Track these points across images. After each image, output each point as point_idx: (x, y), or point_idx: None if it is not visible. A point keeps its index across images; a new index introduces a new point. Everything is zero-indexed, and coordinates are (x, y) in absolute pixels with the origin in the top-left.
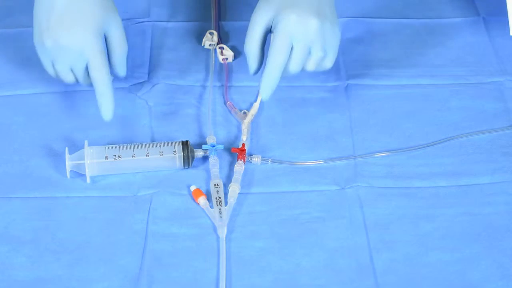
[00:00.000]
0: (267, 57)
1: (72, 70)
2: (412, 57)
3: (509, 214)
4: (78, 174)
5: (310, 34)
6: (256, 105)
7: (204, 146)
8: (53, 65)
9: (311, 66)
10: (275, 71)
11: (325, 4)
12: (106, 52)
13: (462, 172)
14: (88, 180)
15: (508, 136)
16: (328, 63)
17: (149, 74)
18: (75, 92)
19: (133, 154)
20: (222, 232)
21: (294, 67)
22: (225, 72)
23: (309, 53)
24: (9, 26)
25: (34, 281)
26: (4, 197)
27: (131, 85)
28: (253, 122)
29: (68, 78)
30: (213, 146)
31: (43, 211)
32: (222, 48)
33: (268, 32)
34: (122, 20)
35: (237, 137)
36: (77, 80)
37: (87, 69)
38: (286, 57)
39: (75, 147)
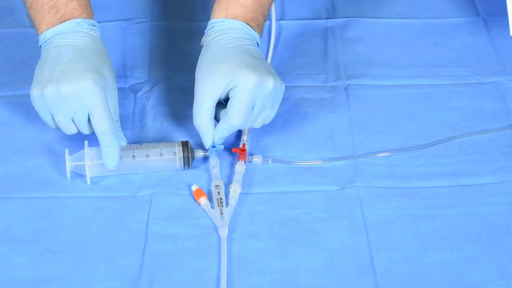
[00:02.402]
0: (225, 113)
1: (73, 121)
2: (412, 57)
3: (509, 214)
4: (78, 174)
5: (267, 95)
6: None
7: (210, 150)
8: (52, 117)
9: (258, 124)
10: (230, 129)
11: (264, 60)
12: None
13: (462, 172)
14: (89, 182)
15: (508, 136)
16: (270, 119)
17: (149, 74)
18: None
19: (133, 156)
20: (224, 232)
21: (245, 126)
22: None
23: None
24: (9, 26)
25: (34, 281)
26: (4, 197)
27: (131, 85)
28: None
29: (69, 129)
30: (213, 147)
31: (43, 211)
32: None
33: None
34: (122, 20)
35: (238, 137)
36: (78, 131)
37: (89, 119)
38: (247, 118)
39: (76, 148)
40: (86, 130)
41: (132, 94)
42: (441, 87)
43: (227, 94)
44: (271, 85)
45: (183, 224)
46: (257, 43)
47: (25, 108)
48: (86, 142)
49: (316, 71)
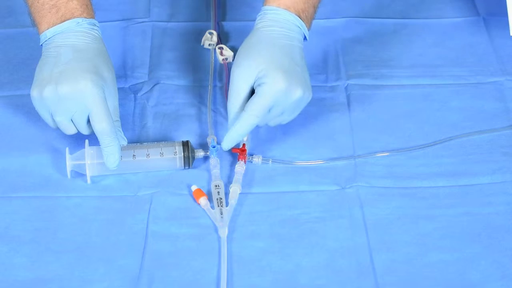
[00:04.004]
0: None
1: (72, 121)
2: (412, 57)
3: (509, 214)
4: (79, 173)
5: (291, 103)
6: None
7: (210, 150)
8: (52, 118)
9: (273, 124)
10: (245, 129)
11: (303, 66)
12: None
13: (462, 172)
14: (89, 181)
15: (508, 136)
16: (286, 122)
17: (149, 74)
18: None
19: (134, 155)
20: (224, 233)
21: (261, 123)
22: (225, 72)
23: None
24: (9, 26)
25: (34, 281)
26: (5, 197)
27: (131, 85)
28: None
29: (69, 129)
30: (214, 147)
31: (43, 211)
32: (221, 49)
33: (252, 88)
34: (122, 20)
35: None
36: (78, 131)
37: (88, 119)
38: (263, 117)
39: (76, 147)
40: (85, 131)
41: (132, 94)
42: (441, 87)
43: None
44: (297, 95)
45: (183, 224)
46: (305, 36)
47: (25, 108)
48: (86, 141)
49: (316, 71)
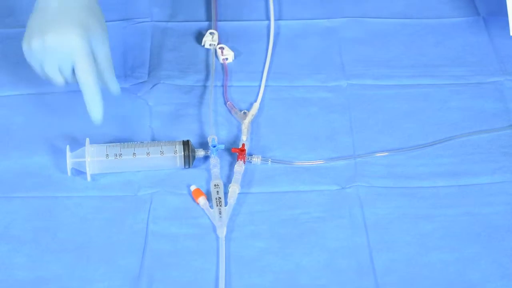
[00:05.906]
0: None
1: (60, 71)
2: (412, 57)
3: (509, 214)
4: (79, 172)
5: None
6: (256, 105)
7: (211, 150)
8: (41, 68)
9: None
10: None
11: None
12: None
13: (462, 172)
14: (89, 178)
15: (508, 136)
16: None
17: (149, 74)
18: (75, 92)
19: (134, 153)
20: (222, 232)
21: None
22: (225, 72)
23: None
24: (9, 26)
25: (34, 281)
26: (4, 197)
27: (131, 85)
28: (253, 122)
29: (58, 79)
30: (214, 146)
31: (43, 211)
32: (222, 48)
33: None
34: (122, 20)
35: (238, 137)
36: (67, 82)
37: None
38: None
39: (77, 145)
40: (71, 80)
41: (132, 94)
42: (441, 87)
43: None
44: None
45: (183, 224)
46: None
47: (25, 108)
48: (87, 139)
49: (316, 71)
